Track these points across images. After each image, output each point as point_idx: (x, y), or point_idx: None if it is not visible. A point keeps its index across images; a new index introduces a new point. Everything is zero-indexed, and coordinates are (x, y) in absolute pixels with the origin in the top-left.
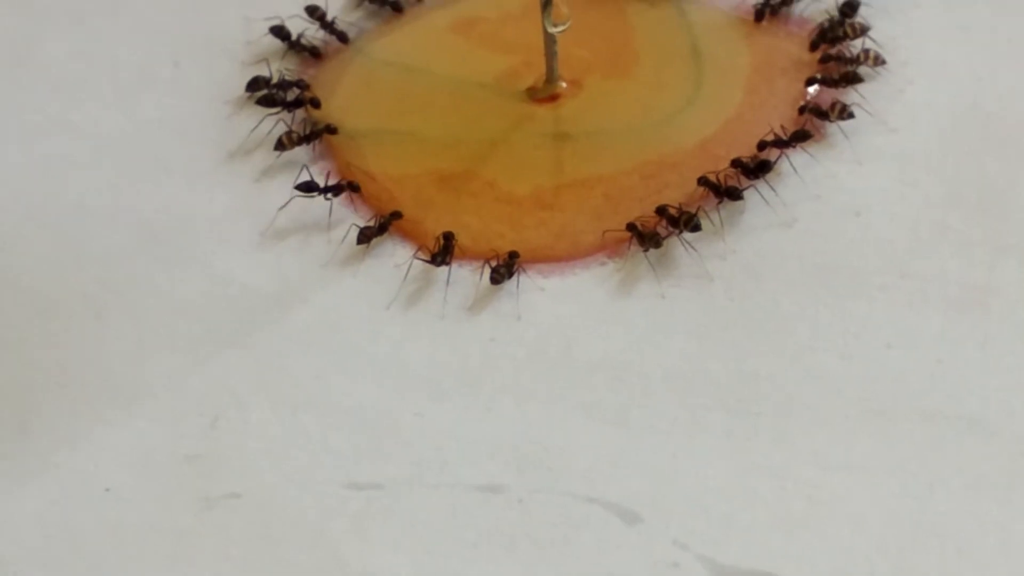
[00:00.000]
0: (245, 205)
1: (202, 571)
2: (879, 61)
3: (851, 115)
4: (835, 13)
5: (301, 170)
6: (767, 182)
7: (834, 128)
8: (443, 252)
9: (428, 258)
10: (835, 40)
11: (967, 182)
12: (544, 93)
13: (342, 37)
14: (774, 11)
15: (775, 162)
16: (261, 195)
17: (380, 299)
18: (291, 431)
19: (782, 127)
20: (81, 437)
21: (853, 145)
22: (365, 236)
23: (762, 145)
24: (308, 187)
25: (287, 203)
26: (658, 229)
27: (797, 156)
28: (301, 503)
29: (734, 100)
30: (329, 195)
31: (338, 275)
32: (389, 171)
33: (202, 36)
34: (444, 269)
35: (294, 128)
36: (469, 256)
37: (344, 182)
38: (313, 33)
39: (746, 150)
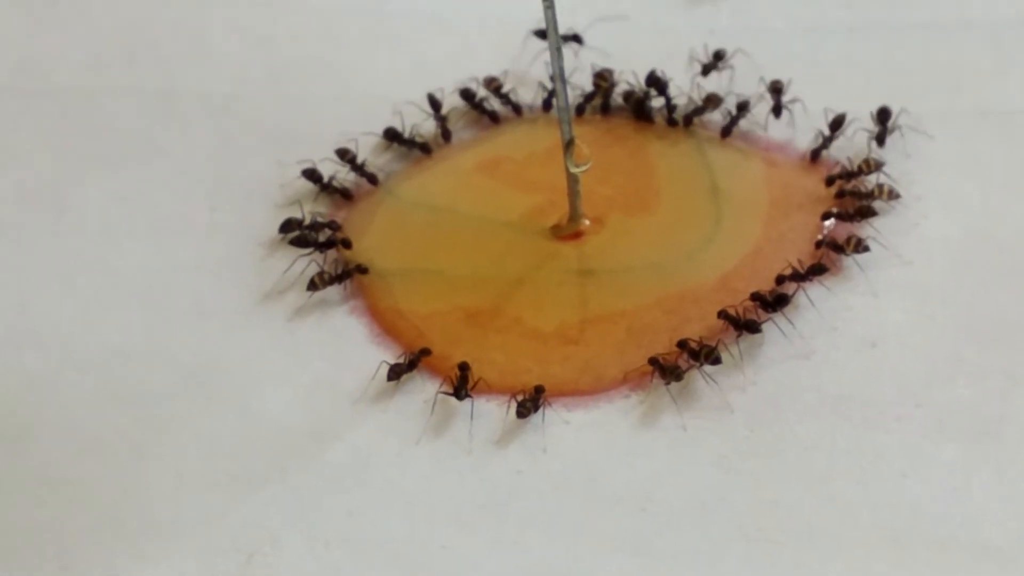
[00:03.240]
0: (279, 344)
1: None
2: (893, 195)
3: (867, 248)
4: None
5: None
6: (785, 315)
7: (850, 261)
8: (462, 384)
9: (451, 391)
10: (851, 175)
11: (981, 313)
12: (568, 231)
13: (372, 179)
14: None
15: (792, 295)
16: (294, 334)
17: (410, 434)
18: (324, 565)
19: (799, 261)
20: (120, 573)
21: (869, 278)
22: (395, 373)
23: (780, 279)
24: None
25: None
26: (679, 362)
27: (814, 289)
28: None
29: (753, 235)
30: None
31: (369, 411)
32: (418, 309)
33: (237, 180)
34: (469, 403)
35: (326, 268)
36: (496, 391)
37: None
38: (344, 175)
39: (765, 283)
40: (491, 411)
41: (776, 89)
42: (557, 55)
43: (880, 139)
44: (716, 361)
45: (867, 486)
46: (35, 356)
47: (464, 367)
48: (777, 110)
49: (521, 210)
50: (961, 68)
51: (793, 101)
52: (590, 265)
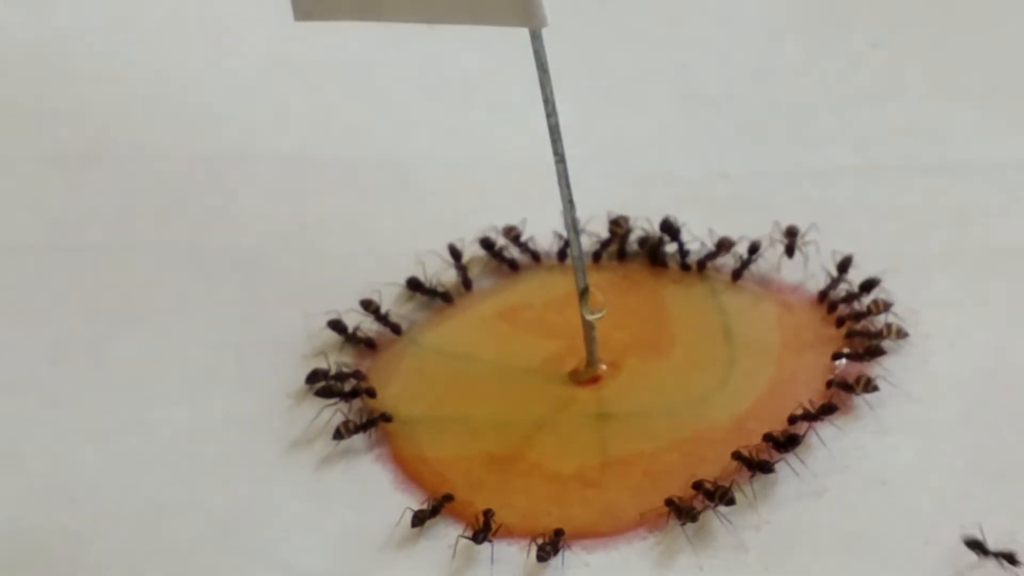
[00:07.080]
0: (306, 493)
1: None
2: (902, 334)
3: (876, 388)
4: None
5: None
6: (797, 455)
7: (860, 400)
8: (485, 529)
9: (471, 535)
10: (859, 315)
11: (988, 451)
12: (585, 376)
13: (395, 329)
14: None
15: (804, 435)
16: (321, 482)
17: None
18: None
19: (810, 401)
20: None
21: (878, 416)
22: (419, 519)
23: (792, 419)
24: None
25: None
26: (695, 503)
27: (825, 429)
28: None
29: (765, 377)
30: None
31: (394, 557)
32: (441, 455)
33: (265, 333)
34: (490, 548)
35: (351, 417)
36: (516, 535)
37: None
38: (368, 325)
39: (778, 423)
40: (512, 555)
41: (792, 232)
42: (569, 207)
43: (789, 251)
44: (730, 502)
45: None
46: (68, 511)
47: (488, 513)
48: (790, 251)
49: (540, 356)
50: (968, 207)
51: (806, 243)
52: (608, 409)
